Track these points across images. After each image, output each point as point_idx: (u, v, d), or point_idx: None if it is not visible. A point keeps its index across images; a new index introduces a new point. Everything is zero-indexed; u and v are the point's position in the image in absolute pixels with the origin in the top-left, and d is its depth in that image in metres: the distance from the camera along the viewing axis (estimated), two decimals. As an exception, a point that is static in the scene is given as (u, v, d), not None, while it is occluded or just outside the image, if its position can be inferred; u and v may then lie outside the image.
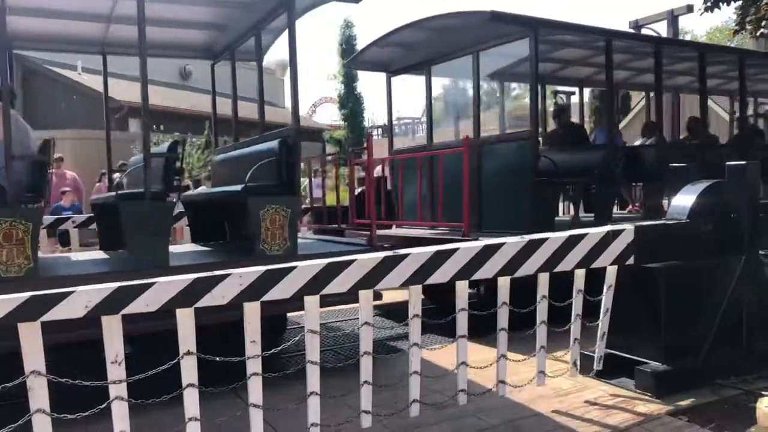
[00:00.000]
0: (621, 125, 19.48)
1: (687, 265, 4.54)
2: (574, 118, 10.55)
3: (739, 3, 11.79)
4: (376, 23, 71.27)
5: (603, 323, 4.32)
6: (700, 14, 12.26)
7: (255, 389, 3.11)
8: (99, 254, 6.00)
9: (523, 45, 6.41)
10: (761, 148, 9.51)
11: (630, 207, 10.40)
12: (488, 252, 3.63)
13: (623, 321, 4.44)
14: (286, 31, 5.17)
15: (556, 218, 8.12)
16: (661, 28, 17.78)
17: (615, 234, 4.11)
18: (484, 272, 3.63)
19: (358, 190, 9.26)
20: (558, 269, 3.91)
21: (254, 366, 3.11)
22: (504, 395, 3.95)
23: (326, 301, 3.61)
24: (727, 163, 4.91)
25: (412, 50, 7.63)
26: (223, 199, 5.69)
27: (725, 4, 11.74)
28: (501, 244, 3.68)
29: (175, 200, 6.13)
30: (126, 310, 2.82)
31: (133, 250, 4.65)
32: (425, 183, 7.16)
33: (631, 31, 7.83)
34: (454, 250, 3.54)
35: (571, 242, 3.93)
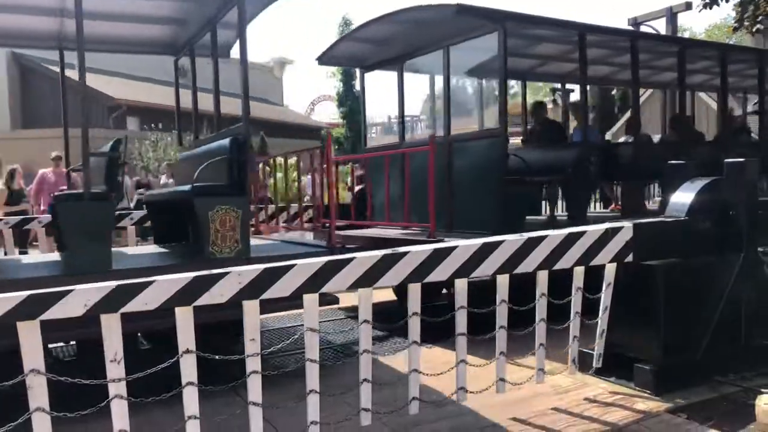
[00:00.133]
0: (620, 123, 19.49)
1: (686, 262, 4.54)
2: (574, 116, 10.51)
3: (738, 0, 11.81)
4: (374, 21, 70.89)
5: (602, 321, 4.33)
6: (699, 11, 12.28)
7: (254, 387, 3.11)
8: (43, 256, 5.86)
9: (492, 39, 6.20)
10: (745, 146, 9.34)
11: (613, 206, 10.22)
12: (487, 250, 3.63)
13: (622, 318, 4.45)
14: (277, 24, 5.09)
15: (534, 218, 7.98)
16: (660, 26, 17.79)
17: (614, 231, 4.11)
18: (483, 270, 3.63)
19: (357, 188, 9.26)
20: (557, 267, 3.92)
21: (253, 364, 3.11)
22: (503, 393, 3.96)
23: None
24: (726, 160, 4.92)
25: (385, 45, 7.45)
26: (176, 200, 5.45)
27: (724, 0, 11.75)
28: (500, 242, 3.68)
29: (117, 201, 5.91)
30: (125, 309, 2.82)
31: (73, 253, 4.41)
32: (396, 182, 6.92)
33: (606, 25, 7.53)
34: (454, 248, 3.54)
35: (570, 240, 3.93)
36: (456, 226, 6.53)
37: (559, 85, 12.79)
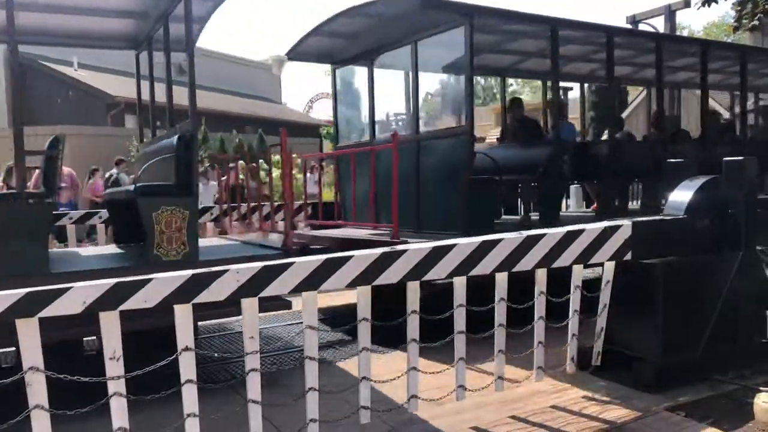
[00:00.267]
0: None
1: (684, 260, 4.55)
2: (573, 114, 10.48)
3: (737, -2, 11.82)
4: (373, 19, 70.74)
5: (601, 319, 4.33)
6: (697, 9, 12.28)
7: (253, 385, 3.12)
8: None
9: (459, 34, 5.96)
10: (728, 144, 9.13)
11: (594, 205, 9.87)
12: (487, 247, 3.64)
13: (621, 317, 4.45)
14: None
15: (510, 217, 7.84)
16: (659, 24, 17.79)
17: (612, 230, 4.11)
18: (482, 268, 3.64)
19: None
20: (556, 265, 3.92)
21: (253, 362, 3.11)
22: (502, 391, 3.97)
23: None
24: (725, 159, 4.92)
25: (355, 40, 7.23)
26: (127, 200, 5.19)
27: (722, -2, 11.74)
28: (498, 240, 3.68)
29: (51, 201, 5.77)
30: (124, 306, 2.82)
31: (7, 255, 4.12)
32: (365, 181, 6.62)
33: (581, 20, 7.35)
34: (453, 246, 3.54)
35: (569, 238, 3.93)
36: (424, 226, 6.34)
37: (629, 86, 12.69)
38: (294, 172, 10.55)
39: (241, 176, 8.26)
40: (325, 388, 3.49)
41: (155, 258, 4.36)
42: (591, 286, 4.30)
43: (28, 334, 2.68)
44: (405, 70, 7.11)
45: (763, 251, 4.88)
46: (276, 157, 9.74)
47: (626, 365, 4.54)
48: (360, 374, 3.42)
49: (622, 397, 4.30)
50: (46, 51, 19.33)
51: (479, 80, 39.87)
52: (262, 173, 9.28)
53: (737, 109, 10.92)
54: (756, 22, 10.82)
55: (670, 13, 17.18)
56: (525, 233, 3.83)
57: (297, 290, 3.20)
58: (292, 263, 3.17)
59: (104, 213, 8.34)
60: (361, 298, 3.39)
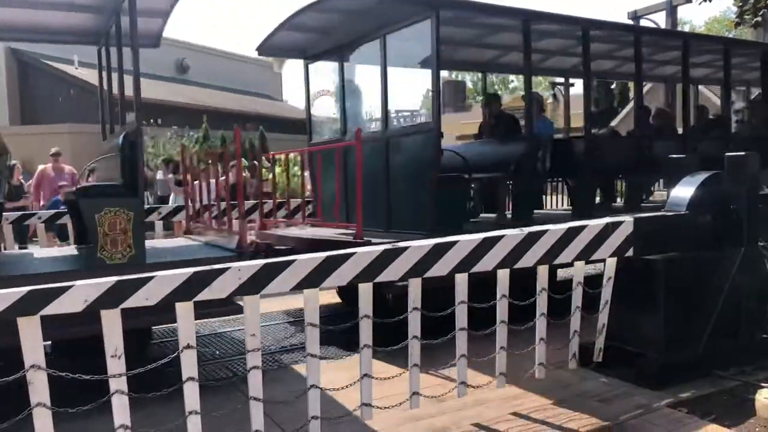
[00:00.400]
0: (620, 116, 19.46)
1: (686, 256, 4.54)
2: (578, 110, 10.34)
3: (739, -7, 11.76)
4: (373, 15, 70.58)
5: (602, 315, 4.33)
6: (699, 4, 12.25)
7: (255, 382, 3.12)
8: None
9: (426, 27, 5.77)
10: (714, 139, 8.85)
11: None
12: (488, 244, 3.63)
13: (622, 313, 4.45)
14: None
15: (488, 215, 7.66)
16: (660, 19, 17.76)
17: (614, 226, 4.11)
18: (484, 265, 3.63)
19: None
20: (557, 261, 3.92)
21: (254, 359, 3.11)
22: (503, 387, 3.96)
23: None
24: (726, 154, 4.90)
25: (325, 34, 7.06)
26: (74, 200, 5.03)
27: (723, -7, 11.69)
28: (501, 236, 3.68)
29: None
30: (125, 304, 2.82)
31: None
32: (334, 180, 6.42)
33: (555, 12, 6.99)
34: (454, 243, 3.54)
35: (571, 234, 3.93)
36: (394, 226, 6.18)
37: (558, 80, 12.56)
38: (296, 168, 10.54)
39: (245, 173, 8.26)
40: (327, 386, 3.49)
41: (99, 261, 4.21)
42: (592, 283, 4.29)
43: (30, 333, 2.68)
44: (375, 65, 6.83)
45: (765, 247, 4.87)
46: (281, 156, 9.62)
47: (628, 361, 4.54)
48: (361, 372, 3.42)
49: (624, 393, 4.30)
50: (48, 50, 19.35)
51: (479, 77, 39.80)
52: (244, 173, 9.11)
53: (732, 104, 10.89)
54: (759, 18, 10.75)
55: (671, 8, 17.15)
56: (527, 230, 3.82)
57: (298, 287, 3.20)
58: (293, 261, 3.17)
59: (43, 213, 8.30)
60: (362, 295, 3.39)
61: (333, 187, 6.43)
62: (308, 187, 8.45)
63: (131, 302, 2.83)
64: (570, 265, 4.14)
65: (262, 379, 3.15)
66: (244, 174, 8.53)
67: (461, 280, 3.66)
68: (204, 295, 2.98)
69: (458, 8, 6.28)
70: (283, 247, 5.93)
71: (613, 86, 19.88)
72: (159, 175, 13.11)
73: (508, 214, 7.35)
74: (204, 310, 3.65)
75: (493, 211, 7.74)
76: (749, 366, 4.60)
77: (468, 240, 3.59)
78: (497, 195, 7.51)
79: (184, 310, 2.97)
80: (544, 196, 9.59)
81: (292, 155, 8.72)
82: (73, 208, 5.84)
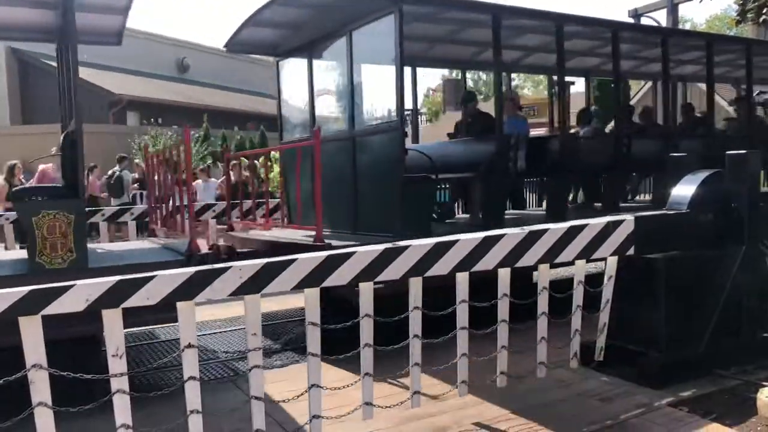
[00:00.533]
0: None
1: (687, 255, 4.54)
2: (580, 107, 10.26)
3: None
4: (374, 14, 70.29)
5: (604, 314, 4.32)
6: (700, 2, 12.19)
7: (256, 382, 3.12)
8: None
9: (390, 22, 5.59)
10: (697, 137, 8.74)
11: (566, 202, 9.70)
12: (490, 242, 3.63)
13: (623, 312, 4.45)
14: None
15: (464, 216, 7.53)
16: (661, 17, 17.73)
17: (615, 225, 4.10)
18: (484, 264, 3.63)
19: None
20: (558, 260, 3.92)
21: (255, 359, 3.11)
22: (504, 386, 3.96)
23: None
24: (727, 152, 4.90)
25: (293, 30, 6.86)
26: None
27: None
28: (501, 236, 3.68)
29: None
30: (126, 304, 2.82)
31: None
32: (304, 180, 6.17)
33: (525, 7, 6.77)
34: (455, 242, 3.54)
35: (572, 233, 3.92)
36: (361, 228, 6.01)
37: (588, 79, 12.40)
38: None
39: (245, 173, 8.19)
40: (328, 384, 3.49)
41: (38, 266, 4.02)
42: (593, 281, 4.29)
43: (31, 332, 2.68)
44: (342, 61, 6.59)
45: (767, 245, 4.87)
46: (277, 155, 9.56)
47: (629, 360, 4.53)
48: (362, 371, 3.42)
49: (625, 392, 4.30)
50: (49, 49, 19.35)
51: (481, 75, 39.74)
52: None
53: (734, 102, 10.72)
54: (765, 16, 10.68)
55: (672, 6, 17.11)
56: (527, 228, 3.82)
57: (299, 287, 3.20)
58: (294, 260, 3.17)
59: (107, 211, 8.37)
60: (363, 293, 3.39)
61: (301, 187, 6.16)
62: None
63: (132, 302, 2.83)
64: (570, 263, 4.13)
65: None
66: (245, 174, 8.51)
67: (462, 279, 3.66)
68: (205, 295, 2.98)
69: (422, 3, 6.10)
70: (246, 250, 5.79)
71: (613, 84, 19.83)
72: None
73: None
74: (139, 318, 3.52)
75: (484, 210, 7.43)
76: (750, 365, 4.59)
77: (468, 239, 3.59)
78: (470, 195, 7.31)
79: (184, 309, 2.97)
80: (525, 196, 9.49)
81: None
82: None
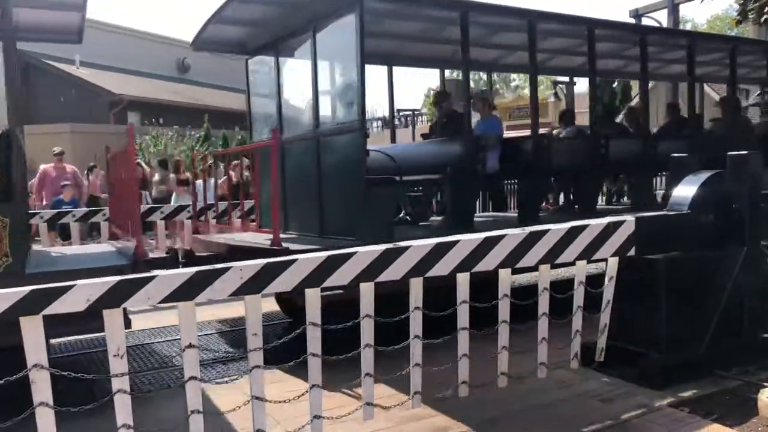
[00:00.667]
0: (622, 114, 19.39)
1: (688, 256, 4.53)
2: (581, 109, 10.20)
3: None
4: (375, 14, 70.34)
5: (604, 315, 4.32)
6: (701, 2, 12.21)
7: (257, 381, 3.12)
8: None
9: (352, 19, 5.44)
10: (680, 138, 8.50)
11: (546, 204, 9.11)
12: (490, 243, 3.63)
13: (624, 312, 4.45)
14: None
15: (438, 218, 7.37)
16: (662, 17, 17.73)
17: (616, 225, 4.10)
18: (485, 264, 3.63)
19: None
20: (559, 261, 3.92)
21: (256, 359, 3.11)
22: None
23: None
24: (728, 153, 4.89)
25: (260, 28, 6.70)
26: None
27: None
28: (502, 236, 3.68)
29: None
30: (127, 304, 2.83)
31: None
32: (266, 181, 6.00)
33: (495, 4, 6.57)
34: (456, 242, 3.54)
35: (573, 234, 3.92)
36: (327, 231, 5.85)
37: (560, 78, 12.37)
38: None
39: (247, 174, 8.11)
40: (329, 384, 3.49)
41: None
42: (594, 282, 4.28)
43: (32, 332, 2.68)
44: (308, 59, 6.41)
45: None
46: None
47: (630, 361, 4.53)
48: (363, 370, 3.42)
49: (626, 393, 4.29)
50: (49, 49, 19.38)
51: (481, 75, 39.72)
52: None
53: (723, 101, 10.37)
54: (766, 16, 10.63)
55: (673, 6, 17.12)
56: (528, 229, 3.82)
57: (299, 287, 3.19)
58: (294, 260, 3.17)
59: (107, 211, 8.35)
60: (364, 294, 3.39)
61: (267, 188, 6.03)
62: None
63: (133, 302, 2.84)
64: (571, 264, 4.13)
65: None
66: (247, 174, 8.49)
67: (462, 279, 3.66)
68: (205, 296, 2.98)
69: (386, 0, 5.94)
70: (205, 254, 5.68)
71: (615, 85, 19.84)
72: (156, 176, 13.13)
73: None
74: (61, 329, 3.40)
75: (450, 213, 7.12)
76: (752, 366, 4.59)
77: (469, 240, 3.59)
78: (443, 198, 7.11)
79: (185, 309, 2.97)
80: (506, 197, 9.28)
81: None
82: None
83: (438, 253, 3.49)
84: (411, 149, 7.50)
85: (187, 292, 2.94)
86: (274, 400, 3.24)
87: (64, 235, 8.76)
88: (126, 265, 4.25)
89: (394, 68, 8.55)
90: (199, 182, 8.55)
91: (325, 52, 6.10)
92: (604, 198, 9.84)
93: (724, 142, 7.75)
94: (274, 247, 4.96)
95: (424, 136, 8.46)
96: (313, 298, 3.25)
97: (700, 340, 4.53)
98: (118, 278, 2.82)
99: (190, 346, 2.97)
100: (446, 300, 3.71)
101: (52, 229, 8.50)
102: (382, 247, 3.40)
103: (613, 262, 4.23)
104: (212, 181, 9.67)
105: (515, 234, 3.73)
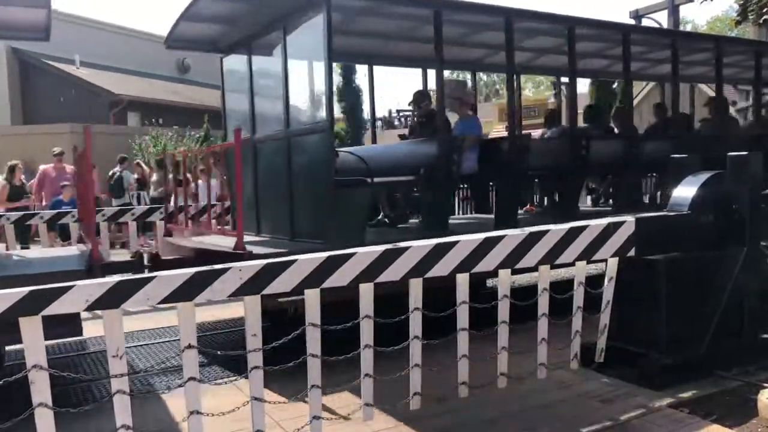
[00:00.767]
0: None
1: (688, 256, 4.53)
2: (581, 109, 10.09)
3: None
4: (375, 15, 70.37)
5: (604, 315, 4.32)
6: (701, 3, 12.20)
7: (256, 382, 3.12)
8: None
9: (320, 17, 5.30)
10: (668, 139, 8.30)
11: (528, 206, 9.02)
12: (490, 243, 3.63)
13: (624, 313, 4.44)
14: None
15: (415, 221, 7.23)
16: (662, 18, 17.73)
17: (616, 226, 4.10)
18: (485, 265, 3.63)
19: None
20: (559, 261, 3.91)
21: (255, 359, 3.11)
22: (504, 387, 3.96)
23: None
24: (729, 153, 4.89)
25: (231, 25, 6.58)
26: None
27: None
28: (502, 237, 3.67)
29: None
30: (126, 304, 2.82)
31: None
32: (248, 181, 5.91)
33: (469, 1, 6.44)
34: (456, 242, 3.53)
35: (572, 234, 3.92)
36: (297, 234, 5.69)
37: (560, 78, 12.29)
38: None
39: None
40: (330, 384, 3.49)
41: None
42: (594, 283, 4.28)
43: (32, 332, 2.68)
44: (279, 58, 6.24)
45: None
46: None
47: (630, 362, 4.53)
48: (363, 371, 3.41)
49: (626, 393, 4.29)
50: (50, 49, 19.38)
51: (482, 76, 39.72)
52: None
53: (721, 102, 10.33)
54: (766, 16, 10.62)
55: (673, 7, 17.12)
56: (528, 230, 3.82)
57: (299, 287, 3.19)
58: (294, 261, 3.16)
59: (108, 211, 8.35)
60: (364, 295, 3.38)
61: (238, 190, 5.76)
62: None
63: (133, 302, 2.84)
64: (571, 264, 4.13)
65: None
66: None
67: (462, 280, 3.66)
68: (204, 296, 2.98)
69: None
70: (172, 258, 5.60)
71: (614, 85, 19.86)
72: (154, 176, 13.13)
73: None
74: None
75: (425, 216, 6.93)
76: (752, 366, 4.59)
77: (469, 240, 3.59)
78: (419, 200, 6.94)
79: (184, 309, 2.97)
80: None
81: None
82: None
83: (438, 253, 3.49)
84: (385, 150, 7.28)
85: (186, 292, 2.93)
86: (273, 400, 3.24)
87: (64, 235, 8.76)
88: (77, 271, 4.05)
89: (394, 68, 8.48)
90: (199, 182, 8.59)
91: (294, 51, 5.98)
92: (592, 199, 9.70)
93: (712, 143, 7.71)
94: (237, 251, 4.84)
95: (401, 137, 8.31)
96: (312, 298, 3.25)
97: (700, 340, 4.53)
98: (117, 278, 2.82)
99: (190, 346, 2.96)
100: (446, 301, 3.71)
101: (51, 229, 8.50)
102: (382, 247, 3.40)
103: (613, 262, 4.23)
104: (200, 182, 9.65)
105: (515, 234, 3.73)
